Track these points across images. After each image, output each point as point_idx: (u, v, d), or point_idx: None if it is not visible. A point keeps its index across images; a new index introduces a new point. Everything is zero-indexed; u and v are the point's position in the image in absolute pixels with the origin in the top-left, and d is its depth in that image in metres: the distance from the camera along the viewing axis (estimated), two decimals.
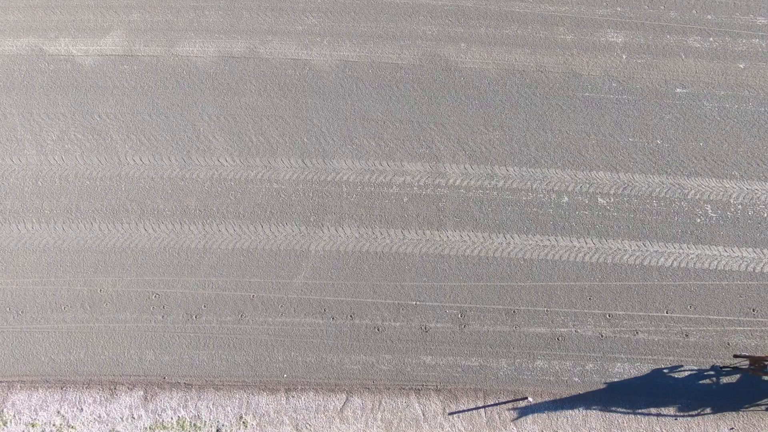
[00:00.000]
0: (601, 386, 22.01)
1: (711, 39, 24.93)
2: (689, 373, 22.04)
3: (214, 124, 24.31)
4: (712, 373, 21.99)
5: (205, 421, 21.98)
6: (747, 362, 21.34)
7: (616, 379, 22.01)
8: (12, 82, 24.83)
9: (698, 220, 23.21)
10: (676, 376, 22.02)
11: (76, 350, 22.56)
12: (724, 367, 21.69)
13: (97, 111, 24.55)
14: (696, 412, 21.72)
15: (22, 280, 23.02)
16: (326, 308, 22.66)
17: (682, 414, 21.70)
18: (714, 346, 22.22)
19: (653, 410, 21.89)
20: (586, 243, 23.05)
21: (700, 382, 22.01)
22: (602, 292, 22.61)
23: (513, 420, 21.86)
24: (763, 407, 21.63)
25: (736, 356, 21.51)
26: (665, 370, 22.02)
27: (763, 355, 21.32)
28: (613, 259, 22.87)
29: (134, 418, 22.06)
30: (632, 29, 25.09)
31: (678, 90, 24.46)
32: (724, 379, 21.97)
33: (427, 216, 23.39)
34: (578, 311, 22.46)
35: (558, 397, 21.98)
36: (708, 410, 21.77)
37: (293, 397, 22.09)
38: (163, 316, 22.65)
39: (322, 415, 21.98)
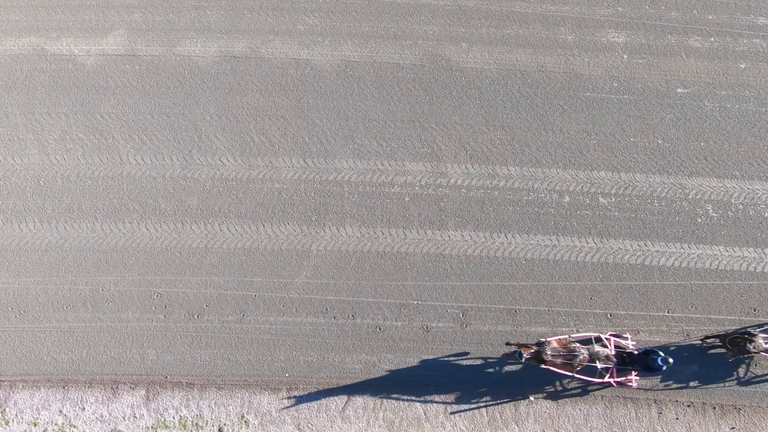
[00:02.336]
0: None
1: (712, 39, 24.95)
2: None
3: (215, 124, 24.35)
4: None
5: (207, 421, 22.01)
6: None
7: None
8: (14, 82, 24.87)
9: (699, 220, 23.23)
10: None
11: (78, 349, 22.60)
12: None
13: (98, 111, 24.59)
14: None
15: (24, 280, 23.05)
16: (328, 308, 22.69)
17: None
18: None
19: (655, 410, 21.91)
20: (588, 243, 23.08)
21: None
22: (603, 291, 22.64)
23: (514, 419, 21.88)
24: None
25: (507, 344, 21.36)
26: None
27: (527, 343, 21.24)
28: (614, 259, 22.90)
29: (136, 418, 22.09)
30: (633, 29, 25.12)
31: (679, 90, 24.48)
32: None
33: (429, 216, 23.42)
34: (579, 311, 22.48)
35: (559, 397, 21.99)
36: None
37: (295, 396, 22.11)
38: (165, 316, 22.68)
39: (324, 414, 22.01)
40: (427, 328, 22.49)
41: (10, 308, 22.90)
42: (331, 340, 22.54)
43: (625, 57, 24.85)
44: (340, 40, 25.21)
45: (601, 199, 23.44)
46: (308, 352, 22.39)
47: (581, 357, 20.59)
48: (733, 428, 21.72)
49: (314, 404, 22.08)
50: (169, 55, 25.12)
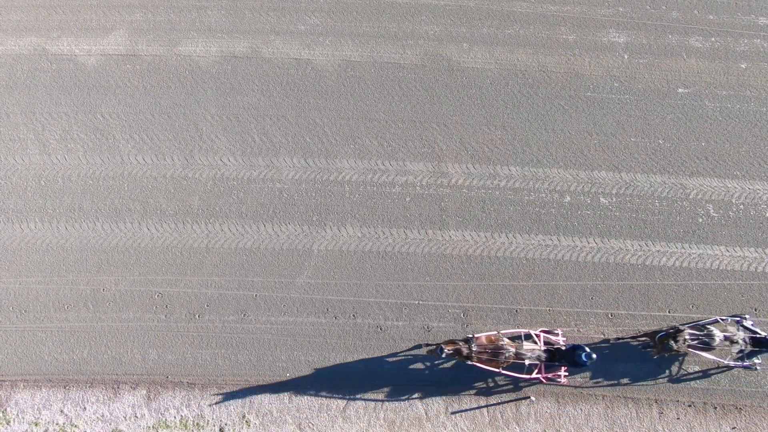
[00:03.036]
0: (604, 385, 22.03)
1: (713, 39, 24.97)
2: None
3: (216, 124, 24.35)
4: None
5: (208, 420, 22.01)
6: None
7: (618, 379, 22.03)
8: (15, 82, 24.86)
9: (700, 220, 23.25)
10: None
11: (79, 349, 22.60)
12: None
13: (99, 110, 24.59)
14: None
15: (25, 280, 23.06)
16: (329, 308, 22.70)
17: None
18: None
19: (656, 409, 21.93)
20: (589, 242, 23.09)
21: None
22: (604, 291, 22.65)
23: (515, 419, 21.89)
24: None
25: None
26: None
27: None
28: (615, 259, 22.91)
29: (137, 417, 22.09)
30: (634, 29, 25.13)
31: (680, 90, 24.49)
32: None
33: (430, 215, 23.43)
34: (580, 311, 22.50)
35: (560, 397, 22.00)
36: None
37: (296, 396, 22.12)
38: (166, 316, 22.68)
39: (325, 414, 22.01)
40: (428, 328, 22.50)
41: (11, 308, 22.90)
42: (332, 340, 22.54)
43: (626, 57, 24.86)
44: (341, 40, 25.21)
45: (602, 199, 23.45)
46: (309, 352, 22.39)
47: (507, 354, 20.59)
48: (734, 428, 21.74)
49: (315, 404, 22.08)
50: (170, 55, 25.12)
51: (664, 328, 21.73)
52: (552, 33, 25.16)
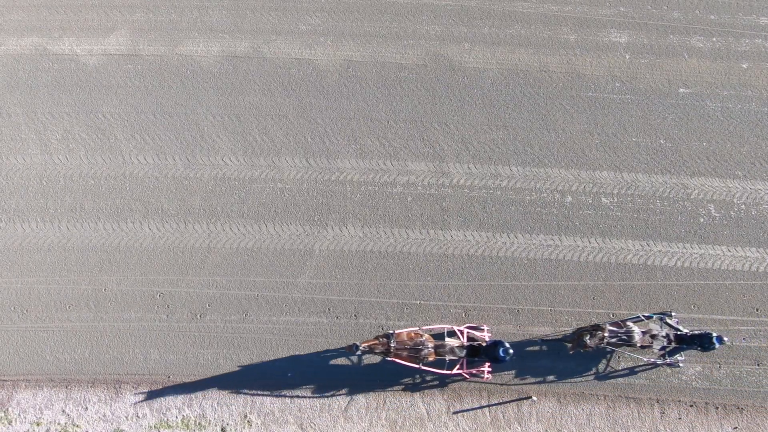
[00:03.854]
0: (605, 385, 22.04)
1: (714, 39, 24.97)
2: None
3: (218, 124, 24.35)
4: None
5: (210, 420, 22.02)
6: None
7: (619, 379, 22.04)
8: (16, 82, 24.87)
9: (702, 220, 23.26)
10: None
11: (81, 349, 22.60)
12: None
13: (101, 110, 24.59)
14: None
15: (26, 279, 23.06)
16: (330, 307, 22.70)
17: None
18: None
19: (657, 409, 21.95)
20: (590, 242, 23.09)
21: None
22: (606, 291, 22.65)
23: (517, 419, 21.91)
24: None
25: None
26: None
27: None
28: (616, 259, 22.92)
29: (139, 417, 22.10)
30: (635, 29, 25.13)
31: (681, 90, 24.50)
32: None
33: (431, 215, 23.43)
34: (582, 311, 22.50)
35: (562, 397, 22.02)
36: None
37: (298, 396, 22.12)
38: (167, 315, 22.69)
39: (327, 413, 22.02)
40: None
41: (12, 308, 22.91)
42: (333, 339, 22.54)
43: (627, 57, 24.86)
44: (343, 39, 25.22)
45: (603, 199, 23.46)
46: (311, 351, 22.36)
47: (427, 350, 20.60)
48: (736, 428, 21.75)
49: (317, 404, 22.09)
50: (172, 55, 25.12)
51: (587, 325, 21.76)
52: (553, 33, 25.17)
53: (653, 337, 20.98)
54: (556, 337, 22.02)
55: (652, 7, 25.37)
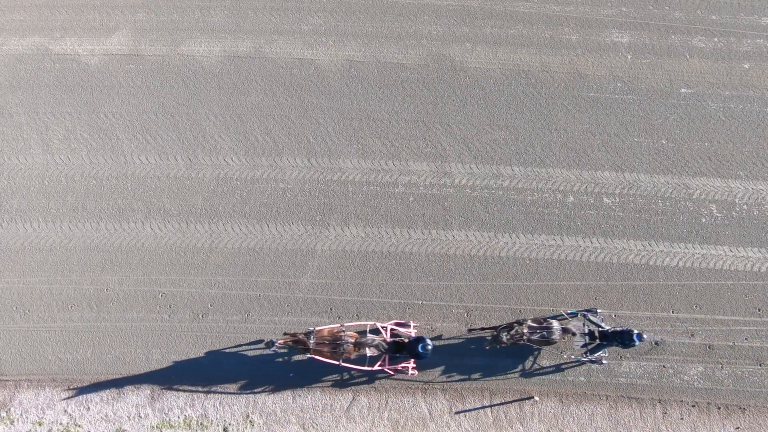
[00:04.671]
0: (607, 386, 22.05)
1: (716, 39, 24.99)
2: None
3: (219, 124, 24.36)
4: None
5: (212, 420, 22.01)
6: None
7: (622, 379, 22.05)
8: (18, 82, 24.87)
9: (703, 220, 23.26)
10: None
11: (83, 349, 22.59)
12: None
13: (103, 110, 24.60)
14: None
15: (28, 279, 23.06)
16: (332, 307, 22.70)
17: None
18: (720, 346, 22.26)
19: (659, 410, 21.96)
20: (592, 243, 23.10)
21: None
22: (608, 291, 22.66)
23: (519, 419, 21.91)
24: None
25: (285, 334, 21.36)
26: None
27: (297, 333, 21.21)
28: (618, 259, 22.92)
29: (141, 417, 22.09)
30: (637, 29, 25.15)
31: (683, 90, 24.51)
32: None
33: (433, 215, 23.44)
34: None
35: (564, 397, 22.02)
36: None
37: (300, 396, 22.13)
38: (169, 315, 22.68)
39: (329, 414, 22.02)
40: (431, 327, 22.49)
41: (14, 308, 22.90)
42: None
43: (629, 57, 24.88)
44: (344, 39, 25.22)
45: (605, 199, 23.46)
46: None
47: (346, 346, 20.61)
48: (738, 428, 21.75)
49: (319, 404, 22.08)
50: (173, 55, 25.13)
51: (506, 322, 21.80)
52: (555, 33, 25.18)
53: (574, 334, 20.97)
54: (483, 333, 21.99)
55: (654, 7, 25.39)
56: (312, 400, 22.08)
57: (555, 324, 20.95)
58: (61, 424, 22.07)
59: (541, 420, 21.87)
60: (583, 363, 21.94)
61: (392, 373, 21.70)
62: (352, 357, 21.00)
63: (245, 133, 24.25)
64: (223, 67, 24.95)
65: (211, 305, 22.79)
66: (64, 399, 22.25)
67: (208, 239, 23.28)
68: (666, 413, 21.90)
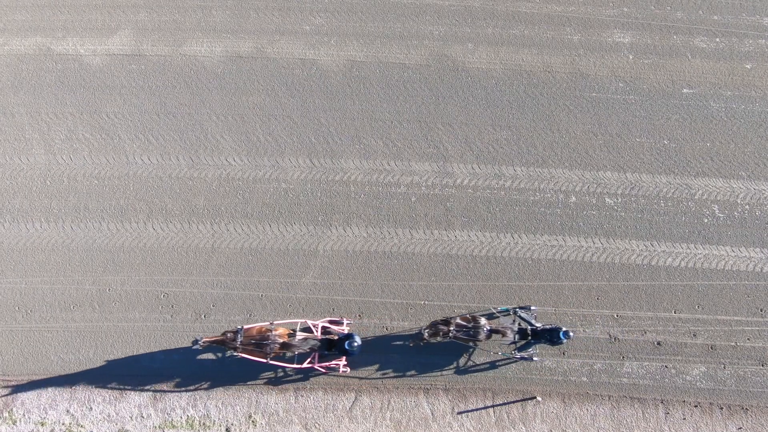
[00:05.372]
0: (609, 386, 22.05)
1: (717, 39, 25.00)
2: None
3: (222, 124, 24.35)
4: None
5: (214, 420, 22.01)
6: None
7: (624, 379, 22.05)
8: (20, 82, 24.87)
9: (706, 221, 23.27)
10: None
11: (85, 349, 22.57)
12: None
13: (105, 110, 24.60)
14: None
15: (30, 279, 23.05)
16: (335, 308, 22.69)
17: None
18: (722, 346, 22.28)
19: (662, 410, 21.96)
20: (594, 243, 23.10)
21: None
22: (610, 291, 22.66)
23: (522, 419, 21.91)
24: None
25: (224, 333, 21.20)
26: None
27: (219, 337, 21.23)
28: (620, 259, 22.93)
29: (143, 417, 22.09)
30: (639, 30, 25.15)
31: (685, 90, 24.52)
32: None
33: (435, 216, 23.44)
34: (586, 311, 22.50)
35: (566, 397, 22.02)
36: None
37: (302, 396, 22.13)
38: (172, 316, 22.67)
39: (332, 414, 22.02)
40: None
41: (17, 308, 22.89)
42: None
43: (630, 57, 24.88)
44: (346, 40, 25.22)
45: (607, 200, 23.47)
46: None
47: (274, 344, 20.63)
48: (740, 428, 21.76)
49: (321, 404, 22.08)
50: (175, 55, 25.12)
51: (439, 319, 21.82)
52: (557, 33, 25.19)
53: (503, 331, 20.97)
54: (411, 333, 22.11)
55: (656, 7, 25.40)
56: (314, 400, 22.08)
57: (482, 321, 20.92)
58: (63, 424, 22.06)
59: (544, 420, 21.87)
60: (516, 360, 21.96)
61: (323, 370, 21.72)
62: (282, 355, 20.99)
63: (247, 134, 24.25)
64: (225, 68, 24.95)
65: (213, 305, 22.79)
66: (67, 399, 22.24)
67: (210, 239, 23.28)
68: (668, 413, 21.90)
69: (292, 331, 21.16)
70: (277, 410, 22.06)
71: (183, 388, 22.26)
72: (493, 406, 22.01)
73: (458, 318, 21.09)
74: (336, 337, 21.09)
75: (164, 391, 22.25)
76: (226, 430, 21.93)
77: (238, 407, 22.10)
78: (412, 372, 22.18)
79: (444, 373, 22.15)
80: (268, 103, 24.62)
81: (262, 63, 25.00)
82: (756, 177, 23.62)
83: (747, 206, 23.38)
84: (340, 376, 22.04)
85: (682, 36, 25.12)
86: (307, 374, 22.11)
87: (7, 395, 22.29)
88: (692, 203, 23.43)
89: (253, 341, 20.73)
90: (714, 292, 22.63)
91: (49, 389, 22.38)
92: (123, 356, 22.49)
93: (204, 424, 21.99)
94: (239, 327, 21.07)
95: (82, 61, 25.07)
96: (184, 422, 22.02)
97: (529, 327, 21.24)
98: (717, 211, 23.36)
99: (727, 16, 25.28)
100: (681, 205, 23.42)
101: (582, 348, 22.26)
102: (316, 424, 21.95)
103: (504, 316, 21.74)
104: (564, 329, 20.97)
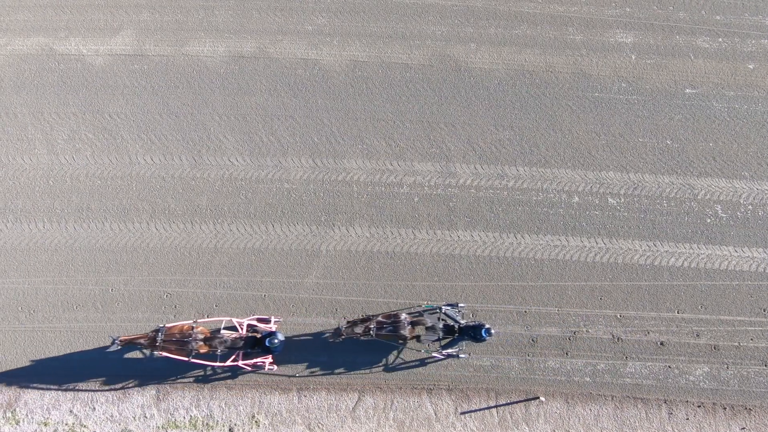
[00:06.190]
0: (612, 386, 22.05)
1: (720, 39, 25.00)
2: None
3: (224, 124, 24.35)
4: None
5: (218, 421, 22.01)
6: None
7: (627, 379, 22.06)
8: (23, 82, 24.87)
9: (708, 221, 23.27)
10: None
11: (89, 349, 22.55)
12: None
13: (107, 110, 24.59)
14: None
15: (33, 280, 23.05)
16: (338, 308, 22.69)
17: None
18: (725, 346, 22.28)
19: (665, 410, 21.96)
20: (597, 243, 23.10)
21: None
22: (613, 292, 22.66)
23: (525, 420, 21.91)
24: None
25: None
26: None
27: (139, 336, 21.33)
28: (623, 259, 22.93)
29: (146, 417, 22.08)
30: (641, 30, 25.16)
31: (687, 90, 24.52)
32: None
33: (438, 216, 23.44)
34: (589, 312, 22.50)
35: (570, 397, 22.02)
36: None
37: (305, 396, 22.13)
38: (174, 316, 22.65)
39: (335, 414, 22.02)
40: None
41: (19, 308, 22.89)
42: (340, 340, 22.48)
43: (633, 57, 24.89)
44: (349, 40, 25.22)
45: (610, 200, 23.47)
46: (318, 352, 22.36)
47: (195, 342, 20.63)
48: (744, 428, 21.77)
49: (325, 404, 22.08)
50: (178, 55, 25.12)
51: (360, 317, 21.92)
52: (559, 33, 25.19)
53: (425, 329, 20.95)
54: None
55: (658, 7, 25.40)
56: (317, 400, 22.08)
57: (403, 319, 20.88)
58: (66, 424, 22.06)
59: (547, 420, 21.87)
60: (443, 359, 21.96)
61: (248, 368, 21.72)
62: (203, 353, 20.96)
63: (250, 134, 24.24)
64: (228, 68, 24.95)
65: (216, 305, 22.78)
66: (70, 399, 22.24)
67: (213, 239, 23.28)
68: (671, 413, 21.90)
69: (216, 330, 21.20)
70: (280, 410, 22.07)
71: (186, 389, 22.24)
72: (496, 407, 22.01)
73: (380, 316, 21.11)
74: (259, 335, 21.16)
75: (167, 392, 22.24)
76: (230, 430, 21.93)
77: (242, 407, 22.10)
78: (340, 369, 22.19)
79: (373, 370, 22.14)
80: (270, 103, 24.62)
81: (265, 63, 25.00)
82: (759, 177, 23.62)
83: (750, 206, 23.38)
84: (266, 373, 21.99)
85: (685, 36, 25.12)
86: (236, 372, 22.11)
87: (10, 395, 22.28)
88: (695, 203, 23.44)
89: (174, 339, 20.73)
90: (717, 292, 22.64)
91: (52, 389, 22.37)
92: (126, 356, 22.46)
93: (207, 424, 21.99)
94: (161, 326, 21.11)
95: (84, 61, 25.07)
96: (187, 422, 22.01)
97: (456, 325, 21.18)
98: (720, 211, 23.36)
99: (730, 17, 25.29)
100: (684, 205, 23.42)
101: (585, 348, 22.26)
102: (320, 424, 21.95)
103: (431, 313, 21.61)
104: (487, 326, 20.90)
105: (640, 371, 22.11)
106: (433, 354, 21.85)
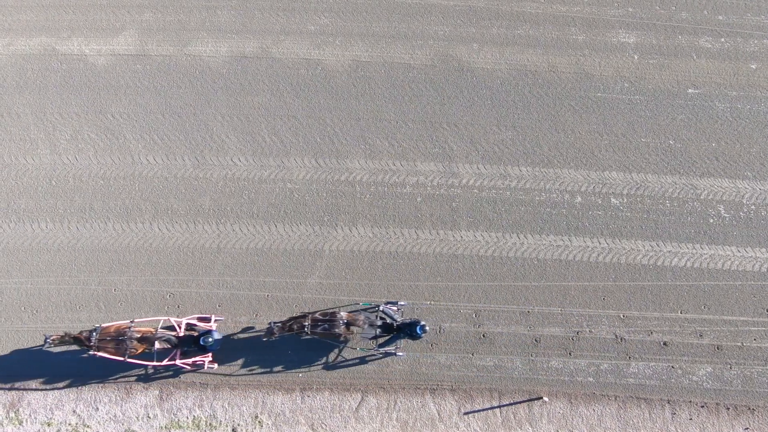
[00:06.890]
0: (616, 386, 22.06)
1: (722, 39, 25.01)
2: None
3: (227, 124, 24.35)
4: None
5: (221, 421, 22.01)
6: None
7: (631, 380, 22.07)
8: (25, 82, 24.86)
9: (711, 221, 23.28)
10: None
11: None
12: None
13: (110, 110, 24.59)
14: None
15: (36, 280, 23.04)
16: (341, 308, 22.65)
17: None
18: (728, 346, 22.29)
19: (668, 410, 21.97)
20: (600, 243, 23.11)
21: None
22: (616, 292, 22.66)
23: (528, 420, 21.92)
24: None
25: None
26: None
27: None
28: (626, 260, 22.93)
29: (150, 418, 22.08)
30: (644, 30, 25.16)
31: (690, 90, 24.53)
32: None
33: (441, 216, 23.44)
34: (592, 312, 22.50)
35: (573, 397, 22.03)
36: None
37: (309, 396, 22.13)
38: (178, 316, 22.61)
39: (338, 414, 22.02)
40: (440, 328, 22.49)
41: (22, 308, 22.88)
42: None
43: (635, 57, 24.89)
44: (351, 40, 25.22)
45: (612, 200, 23.47)
46: (322, 352, 22.36)
47: (131, 342, 20.54)
48: (747, 429, 21.76)
49: (328, 404, 22.08)
50: (180, 55, 25.12)
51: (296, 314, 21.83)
52: (562, 33, 25.19)
53: (361, 326, 20.90)
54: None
55: (660, 7, 25.41)
56: (321, 400, 22.08)
57: (339, 316, 20.82)
58: (69, 424, 22.06)
59: (550, 421, 21.88)
60: (381, 357, 22.01)
61: (187, 367, 21.71)
62: (139, 352, 20.81)
63: (252, 134, 24.24)
64: (230, 68, 24.95)
65: (219, 305, 22.78)
66: (73, 399, 22.23)
67: (215, 239, 23.28)
68: (675, 414, 21.91)
69: (153, 330, 21.08)
70: (283, 410, 22.07)
71: (189, 389, 22.24)
72: (499, 407, 22.02)
73: (317, 313, 21.09)
74: (194, 333, 21.20)
75: (171, 392, 22.24)
76: (233, 430, 21.93)
77: (245, 407, 22.10)
78: (279, 368, 22.19)
79: (312, 369, 22.15)
80: (273, 103, 24.62)
81: (267, 63, 25.00)
82: (761, 177, 23.63)
83: (753, 206, 23.39)
84: (206, 372, 22.01)
85: (687, 36, 25.13)
86: (177, 372, 22.12)
87: (13, 395, 22.28)
88: (698, 203, 23.45)
89: (109, 339, 20.60)
90: (720, 292, 22.65)
91: (56, 389, 22.37)
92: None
93: (210, 424, 21.99)
94: (96, 325, 20.99)
95: (87, 61, 25.07)
96: (190, 423, 22.01)
97: (393, 323, 21.19)
98: (723, 211, 23.37)
99: (732, 17, 25.29)
100: (686, 205, 23.43)
101: (588, 348, 22.27)
102: (323, 425, 21.96)
103: (370, 312, 21.64)
104: (421, 323, 20.88)
105: (644, 371, 22.12)
106: (372, 352, 21.88)
